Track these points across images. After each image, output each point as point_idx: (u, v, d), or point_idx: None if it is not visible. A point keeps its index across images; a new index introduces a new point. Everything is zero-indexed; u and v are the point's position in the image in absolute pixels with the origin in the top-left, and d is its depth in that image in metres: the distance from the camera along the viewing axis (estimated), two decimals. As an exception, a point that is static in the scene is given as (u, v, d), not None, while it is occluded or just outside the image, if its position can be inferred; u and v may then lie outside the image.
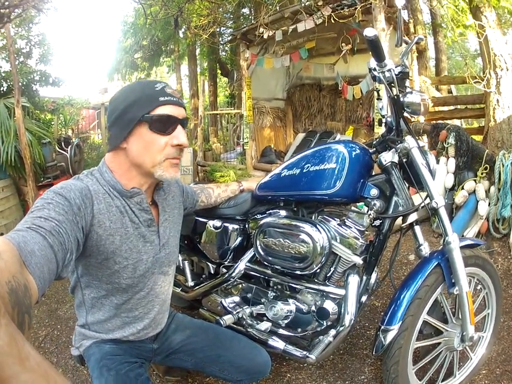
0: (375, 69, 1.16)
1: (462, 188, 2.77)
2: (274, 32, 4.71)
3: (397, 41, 1.17)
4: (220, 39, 8.67)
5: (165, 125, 0.91)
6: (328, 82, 6.47)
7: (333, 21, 4.04)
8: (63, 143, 5.00)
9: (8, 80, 4.72)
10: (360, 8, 3.84)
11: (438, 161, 2.78)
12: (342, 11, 4.10)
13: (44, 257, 0.60)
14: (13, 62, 3.85)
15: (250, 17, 8.41)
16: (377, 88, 1.42)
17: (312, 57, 6.19)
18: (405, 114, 1.22)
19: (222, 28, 8.63)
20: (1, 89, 4.76)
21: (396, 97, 1.18)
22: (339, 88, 5.49)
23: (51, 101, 6.27)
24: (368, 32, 1.02)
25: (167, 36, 8.12)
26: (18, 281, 0.44)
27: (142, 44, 9.01)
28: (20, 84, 4.72)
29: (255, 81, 5.93)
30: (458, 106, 4.70)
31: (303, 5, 4.39)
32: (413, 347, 1.25)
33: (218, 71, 9.94)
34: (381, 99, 1.35)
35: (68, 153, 4.90)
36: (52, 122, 5.90)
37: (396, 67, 1.17)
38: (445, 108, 4.51)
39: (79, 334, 1.08)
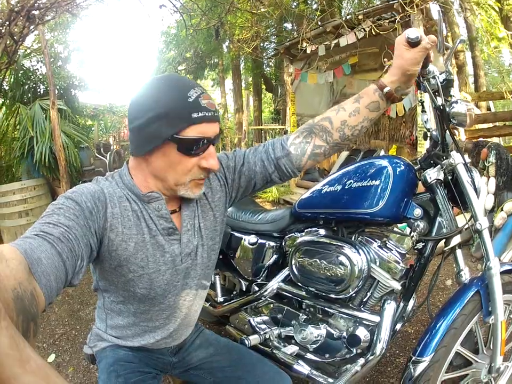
0: (419, 76, 1.09)
1: (501, 209, 2.62)
2: (317, 47, 4.72)
3: (439, 48, 1.08)
4: (264, 54, 8.76)
5: (195, 147, 0.80)
6: (372, 100, 6.43)
7: (373, 32, 4.00)
8: (102, 149, 5.15)
9: (45, 83, 4.90)
10: (400, 20, 3.77)
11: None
12: (381, 23, 4.07)
13: (51, 265, 0.58)
14: (48, 64, 3.97)
15: (293, 32, 8.51)
16: (421, 100, 1.34)
17: (355, 73, 6.16)
18: (451, 126, 1.13)
19: (266, 43, 8.75)
20: (39, 91, 4.95)
21: (441, 107, 1.09)
22: None
23: (92, 107, 6.51)
24: (411, 33, 0.87)
25: (211, 49, 8.29)
26: (24, 289, 0.44)
27: (185, 56, 9.27)
28: (58, 87, 4.92)
29: (299, 97, 5.96)
30: (497, 124, 4.54)
31: (344, 18, 4.36)
32: (441, 379, 1.16)
33: (263, 86, 10.06)
34: (425, 111, 1.26)
35: (106, 159, 5.03)
36: (92, 128, 6.10)
37: (440, 74, 1.09)
38: (484, 126, 4.37)
39: (96, 335, 1.05)
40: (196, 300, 1.02)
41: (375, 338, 1.17)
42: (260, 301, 1.48)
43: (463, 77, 5.69)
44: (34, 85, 4.89)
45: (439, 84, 1.06)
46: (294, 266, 1.34)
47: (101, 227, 0.79)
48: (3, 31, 3.12)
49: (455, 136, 1.15)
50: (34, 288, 0.50)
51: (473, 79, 7.46)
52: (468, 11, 5.88)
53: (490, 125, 4.52)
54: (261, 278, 1.56)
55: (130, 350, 1.01)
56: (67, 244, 0.64)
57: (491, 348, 1.18)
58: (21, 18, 3.19)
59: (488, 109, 6.15)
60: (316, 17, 5.18)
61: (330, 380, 1.20)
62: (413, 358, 1.13)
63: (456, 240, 1.18)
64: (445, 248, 1.21)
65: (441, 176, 1.16)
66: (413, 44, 0.88)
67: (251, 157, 1.00)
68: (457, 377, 1.27)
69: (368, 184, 1.20)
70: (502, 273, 1.16)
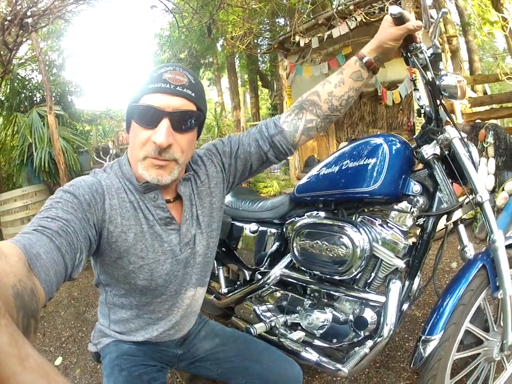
0: (407, 52, 1.08)
1: (503, 189, 2.61)
2: (310, 40, 4.74)
3: (424, 23, 1.08)
4: (258, 50, 8.76)
5: (147, 118, 0.79)
6: (368, 88, 6.44)
7: (364, 20, 4.01)
8: (101, 153, 5.19)
9: (41, 91, 4.94)
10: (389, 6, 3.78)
11: (478, 162, 2.64)
12: (373, 11, 4.07)
13: (50, 260, 0.57)
14: (43, 69, 3.99)
15: (286, 26, 8.49)
16: (413, 78, 1.34)
17: None
18: (443, 100, 1.13)
19: (259, 39, 8.74)
20: (35, 99, 4.98)
21: (431, 80, 1.09)
22: (378, 94, 5.46)
23: (89, 113, 6.54)
24: (393, 9, 0.90)
25: (205, 48, 8.29)
26: (24, 286, 0.44)
27: (179, 57, 9.25)
28: (55, 94, 4.94)
29: (295, 90, 5.99)
30: (494, 106, 4.52)
31: (335, 9, 4.37)
32: (452, 359, 1.14)
33: (259, 83, 10.05)
34: (417, 89, 1.27)
35: (106, 162, 5.06)
36: (91, 133, 6.13)
37: (427, 49, 1.09)
38: (481, 108, 4.36)
39: (99, 331, 1.05)
40: (197, 289, 1.01)
41: (382, 319, 1.16)
42: (264, 289, 1.47)
43: (457, 62, 5.67)
44: (30, 94, 4.92)
45: (427, 59, 1.06)
46: (296, 250, 1.33)
47: (99, 219, 0.79)
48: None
49: (448, 111, 1.15)
50: (34, 284, 0.49)
51: (468, 64, 7.44)
52: (458, -5, 5.87)
53: (488, 107, 4.50)
54: (264, 266, 1.55)
55: (134, 344, 1.00)
56: (66, 238, 0.64)
57: (501, 324, 1.17)
58: (14, 26, 3.19)
59: (485, 92, 6.14)
60: (307, 10, 5.18)
61: (339, 366, 1.18)
62: (423, 337, 1.12)
63: (457, 214, 1.17)
64: (447, 223, 1.21)
65: (438, 151, 1.16)
66: (396, 20, 0.92)
67: (245, 139, 1.01)
68: (469, 357, 1.25)
69: (365, 163, 1.20)
70: (508, 247, 1.15)
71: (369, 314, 1.19)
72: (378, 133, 5.66)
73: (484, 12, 5.95)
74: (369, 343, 1.17)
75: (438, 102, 1.13)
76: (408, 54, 1.06)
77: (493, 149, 2.72)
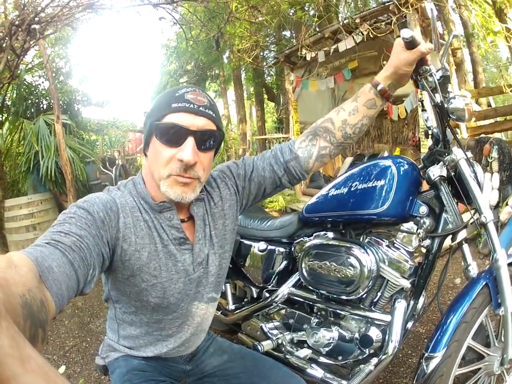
0: (417, 75, 1.10)
1: (506, 204, 2.61)
2: (317, 53, 4.75)
3: (434, 45, 1.11)
4: (264, 63, 8.76)
5: (172, 136, 0.80)
6: (374, 103, 6.48)
7: (371, 35, 4.03)
8: (107, 163, 5.18)
9: (47, 98, 4.95)
10: (396, 22, 3.81)
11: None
12: (379, 25, 4.11)
13: (62, 274, 0.57)
14: (51, 78, 3.98)
15: (292, 39, 8.49)
16: (421, 99, 1.36)
17: (356, 78, 6.17)
18: (450, 122, 1.15)
19: (266, 52, 8.76)
20: (41, 106, 5.00)
21: (440, 104, 1.11)
22: (384, 108, 5.43)
23: (95, 122, 6.56)
24: (405, 33, 0.92)
25: (211, 60, 8.24)
26: (33, 296, 0.44)
27: (186, 69, 9.27)
28: (61, 102, 4.97)
29: (301, 104, 5.98)
30: (498, 119, 4.53)
31: (341, 23, 4.40)
32: (454, 374, 1.15)
33: (265, 96, 10.06)
34: (425, 110, 1.28)
35: (112, 173, 5.07)
36: (97, 143, 6.14)
37: (436, 71, 1.11)
38: (486, 122, 4.37)
39: (108, 345, 1.05)
40: (208, 308, 1.02)
41: (387, 337, 1.17)
42: (271, 306, 1.48)
43: (462, 74, 5.68)
44: (37, 100, 4.94)
45: (437, 81, 1.07)
46: (304, 270, 1.35)
47: (113, 237, 0.79)
48: (4, 45, 3.15)
49: (455, 133, 1.17)
50: (44, 296, 0.50)
51: (472, 76, 7.46)
52: (462, 7, 5.92)
53: (492, 120, 4.50)
54: (272, 284, 1.57)
55: (143, 359, 1.00)
56: (79, 253, 0.64)
57: (502, 340, 1.18)
58: (21, 32, 3.22)
59: (489, 105, 6.13)
60: (314, 23, 5.21)
61: (344, 382, 1.20)
62: (426, 355, 1.13)
63: (462, 235, 1.19)
64: (452, 243, 1.22)
65: (444, 173, 1.17)
66: (408, 44, 0.93)
67: (259, 163, 1.02)
68: (470, 371, 1.26)
69: (373, 185, 1.22)
70: (510, 264, 1.16)
71: (374, 333, 1.20)
72: (384, 150, 5.69)
73: (488, 22, 5.98)
74: (374, 360, 1.18)
75: (446, 123, 1.14)
76: (418, 77, 1.08)
77: (497, 164, 2.73)
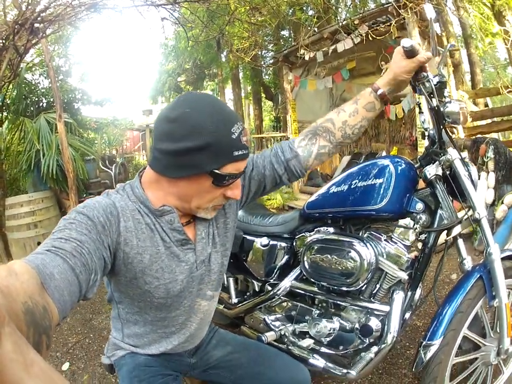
0: (415, 81, 1.16)
1: (502, 203, 2.67)
2: (315, 54, 4.80)
3: (432, 51, 1.17)
4: (263, 62, 8.73)
5: (229, 181, 0.82)
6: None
7: (370, 38, 4.09)
8: (107, 161, 5.19)
9: (47, 96, 4.95)
10: (395, 24, 3.86)
11: (479, 177, 2.70)
12: (378, 28, 4.15)
13: (64, 280, 0.58)
14: (53, 77, 3.95)
15: (290, 39, 8.48)
16: (418, 102, 1.42)
17: (354, 78, 6.22)
18: (446, 125, 1.21)
19: (264, 51, 8.71)
20: (41, 104, 4.98)
21: (436, 108, 1.17)
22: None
23: (94, 120, 6.56)
24: (405, 42, 0.98)
25: (210, 59, 8.20)
26: (36, 303, 0.44)
27: (184, 67, 9.22)
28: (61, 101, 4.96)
29: (299, 104, 6.01)
30: (495, 119, 4.58)
31: (340, 24, 4.44)
32: (451, 363, 1.21)
33: (263, 95, 10.06)
34: (422, 112, 1.34)
35: (112, 171, 5.08)
36: (95, 141, 6.14)
37: (433, 77, 1.16)
38: (483, 122, 4.42)
39: (113, 344, 1.06)
40: (210, 304, 1.04)
41: (386, 327, 1.23)
42: (274, 299, 1.53)
43: (460, 75, 5.73)
44: (37, 99, 4.92)
45: (433, 87, 1.13)
46: (306, 263, 1.40)
47: (114, 241, 0.79)
48: (7, 44, 3.16)
49: (451, 135, 1.23)
50: (47, 302, 0.50)
51: (469, 76, 7.51)
52: (461, 9, 5.97)
53: (489, 121, 4.54)
54: (274, 277, 1.61)
55: (149, 355, 1.02)
56: (80, 259, 0.64)
57: (498, 330, 1.24)
58: (25, 31, 3.23)
59: (486, 105, 6.16)
60: (313, 24, 5.26)
61: (345, 371, 1.24)
62: (424, 343, 1.19)
63: (457, 230, 1.25)
64: (447, 238, 1.28)
65: (440, 172, 1.24)
66: (408, 52, 0.99)
67: (260, 162, 1.03)
68: (468, 361, 1.32)
69: (372, 182, 1.28)
70: (503, 259, 1.22)
71: (374, 323, 1.26)
72: (382, 150, 5.71)
73: (487, 24, 6.03)
74: (374, 349, 1.24)
75: (441, 126, 1.20)
76: (416, 82, 1.14)
77: (493, 163, 2.79)
